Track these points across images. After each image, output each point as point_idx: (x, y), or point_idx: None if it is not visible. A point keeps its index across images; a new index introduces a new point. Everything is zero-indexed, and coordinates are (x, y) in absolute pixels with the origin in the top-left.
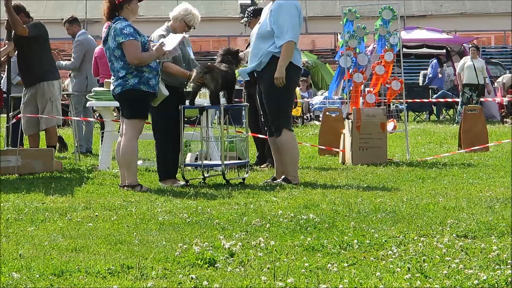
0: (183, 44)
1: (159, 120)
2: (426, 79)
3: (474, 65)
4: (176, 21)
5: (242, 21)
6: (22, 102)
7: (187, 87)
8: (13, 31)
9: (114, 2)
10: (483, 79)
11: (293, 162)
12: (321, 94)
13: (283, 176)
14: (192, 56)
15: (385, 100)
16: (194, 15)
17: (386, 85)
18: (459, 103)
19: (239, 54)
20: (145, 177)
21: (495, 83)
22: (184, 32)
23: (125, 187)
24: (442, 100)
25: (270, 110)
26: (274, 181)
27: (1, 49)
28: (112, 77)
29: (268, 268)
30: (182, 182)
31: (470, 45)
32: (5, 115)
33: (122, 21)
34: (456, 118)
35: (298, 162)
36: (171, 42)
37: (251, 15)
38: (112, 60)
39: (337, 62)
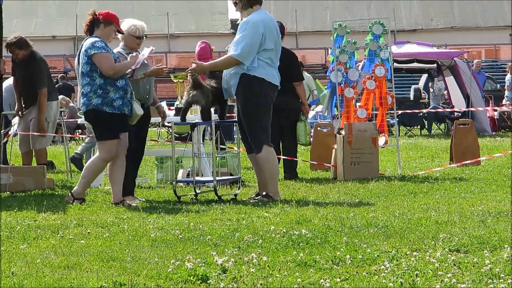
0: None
1: None
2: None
3: None
4: (125, 38)
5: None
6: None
7: (179, 103)
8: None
9: (94, 17)
10: None
11: (273, 178)
12: (312, 109)
13: (264, 192)
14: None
15: (376, 112)
16: (136, 25)
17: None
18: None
19: None
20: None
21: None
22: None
23: (73, 200)
24: (432, 111)
25: (248, 128)
26: (257, 197)
27: None
28: (79, 93)
29: (261, 284)
30: (143, 199)
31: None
32: None
33: (94, 37)
34: None
35: (278, 177)
36: (143, 54)
37: None
38: (79, 76)
39: (328, 77)
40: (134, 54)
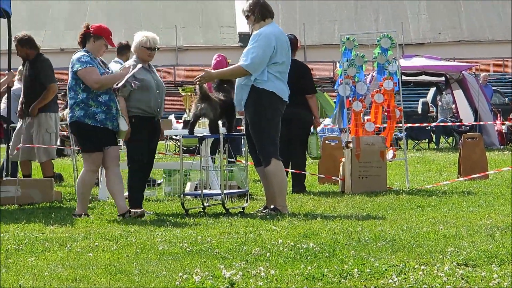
0: (154, 73)
1: (132, 150)
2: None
3: None
4: (137, 50)
5: None
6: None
7: (187, 116)
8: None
9: (86, 30)
10: None
11: (282, 192)
12: (320, 123)
13: (272, 206)
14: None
15: (384, 126)
16: (148, 36)
17: (385, 113)
18: None
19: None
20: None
21: None
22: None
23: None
24: (441, 124)
25: (257, 141)
26: (265, 210)
27: (2, 80)
28: None
29: None
30: (150, 212)
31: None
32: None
33: (82, 52)
34: None
35: (286, 191)
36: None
37: None
38: (68, 89)
39: (336, 91)
40: (127, 65)
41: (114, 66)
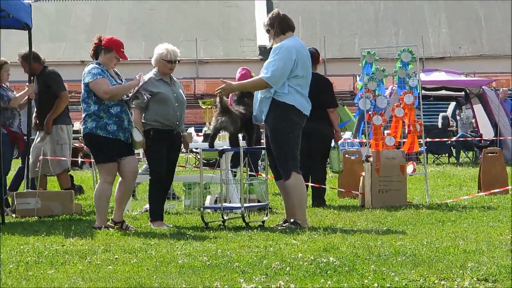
0: (175, 86)
1: (150, 162)
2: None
3: None
4: (157, 63)
5: None
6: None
7: (207, 129)
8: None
9: (97, 42)
10: None
11: (302, 206)
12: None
13: (292, 220)
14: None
15: (404, 140)
16: (168, 49)
17: (405, 127)
18: None
19: None
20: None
21: None
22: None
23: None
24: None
25: (277, 154)
26: (285, 224)
27: (22, 92)
28: None
29: None
30: (170, 225)
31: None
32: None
33: (94, 64)
34: None
35: (306, 205)
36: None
37: None
38: (81, 102)
39: (356, 105)
40: (137, 76)
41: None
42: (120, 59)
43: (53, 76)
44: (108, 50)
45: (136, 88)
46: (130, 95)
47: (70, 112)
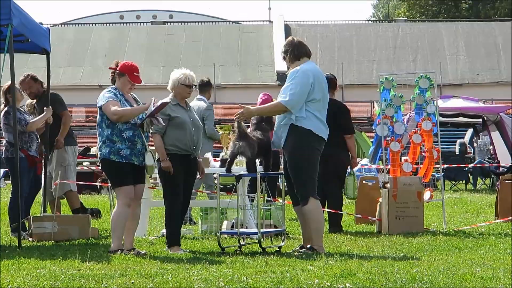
0: (190, 111)
1: (166, 187)
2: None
3: None
4: (175, 88)
5: None
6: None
7: (224, 154)
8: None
9: (113, 67)
10: None
11: (319, 231)
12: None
13: (308, 245)
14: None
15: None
16: (185, 73)
17: (422, 153)
18: None
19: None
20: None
21: None
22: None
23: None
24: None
25: (295, 179)
26: (301, 249)
27: (40, 116)
28: None
29: None
30: (187, 250)
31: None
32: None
33: (109, 88)
34: None
35: (323, 231)
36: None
37: None
38: (96, 127)
39: (374, 131)
40: (153, 100)
41: (197, 103)
42: (135, 84)
43: (56, 97)
44: (121, 74)
45: (148, 113)
46: (143, 119)
47: (88, 137)
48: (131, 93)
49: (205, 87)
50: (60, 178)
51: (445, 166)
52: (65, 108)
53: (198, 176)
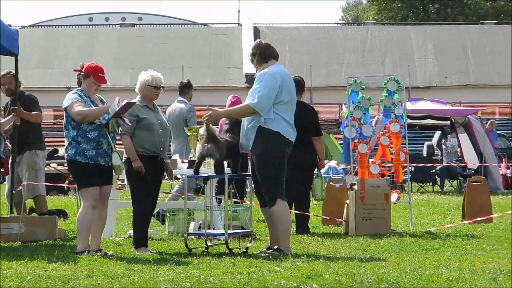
0: (158, 113)
1: (134, 188)
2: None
3: None
4: (142, 90)
5: None
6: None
7: (192, 155)
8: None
9: (79, 69)
10: None
11: (286, 233)
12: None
13: (275, 246)
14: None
15: (390, 165)
16: (153, 75)
17: (390, 156)
18: None
19: None
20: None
21: None
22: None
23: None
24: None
25: (262, 181)
26: (268, 251)
27: (8, 118)
28: None
29: None
30: (154, 251)
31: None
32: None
33: (75, 90)
34: None
35: (290, 232)
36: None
37: None
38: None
39: (342, 133)
40: (117, 99)
41: (178, 105)
42: (100, 85)
43: (32, 98)
44: (86, 76)
45: (112, 113)
46: (109, 119)
47: (56, 138)
48: (98, 95)
49: (185, 88)
50: (31, 182)
51: (413, 165)
52: (39, 109)
53: (166, 177)
